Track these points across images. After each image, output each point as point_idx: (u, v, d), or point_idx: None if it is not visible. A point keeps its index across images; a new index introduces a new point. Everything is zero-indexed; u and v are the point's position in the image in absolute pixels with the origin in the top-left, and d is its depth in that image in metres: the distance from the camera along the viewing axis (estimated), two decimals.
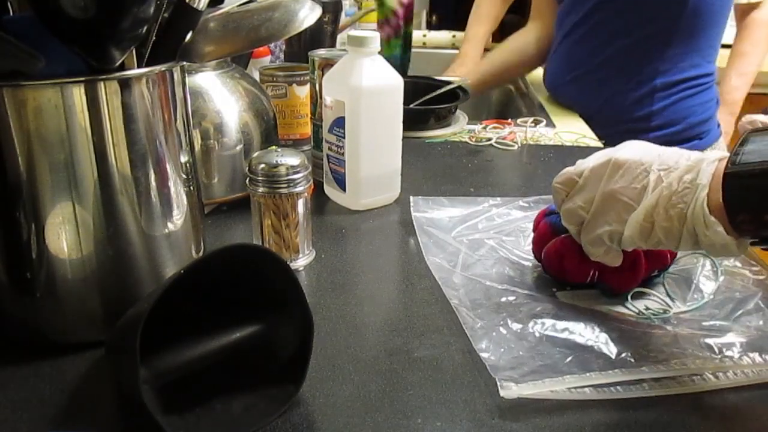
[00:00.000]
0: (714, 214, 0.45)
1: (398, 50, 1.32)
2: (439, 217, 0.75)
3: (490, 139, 1.05)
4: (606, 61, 1.23)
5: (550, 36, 1.38)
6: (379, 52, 1.26)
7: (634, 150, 0.52)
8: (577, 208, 0.54)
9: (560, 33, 1.31)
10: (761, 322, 0.56)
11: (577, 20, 1.25)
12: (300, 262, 0.66)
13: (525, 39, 1.42)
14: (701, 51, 1.21)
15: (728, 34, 1.32)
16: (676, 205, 0.47)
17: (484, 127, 1.10)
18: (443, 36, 2.00)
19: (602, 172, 0.52)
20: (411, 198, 0.78)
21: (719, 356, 0.51)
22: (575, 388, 0.47)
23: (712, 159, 0.47)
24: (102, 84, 0.46)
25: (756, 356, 0.51)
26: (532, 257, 0.66)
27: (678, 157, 0.49)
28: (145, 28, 0.46)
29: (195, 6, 0.49)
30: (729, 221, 0.45)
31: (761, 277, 0.62)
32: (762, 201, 0.43)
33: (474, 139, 1.05)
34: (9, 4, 0.47)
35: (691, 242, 0.47)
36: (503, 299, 0.59)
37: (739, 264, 0.65)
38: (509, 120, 1.14)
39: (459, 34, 1.99)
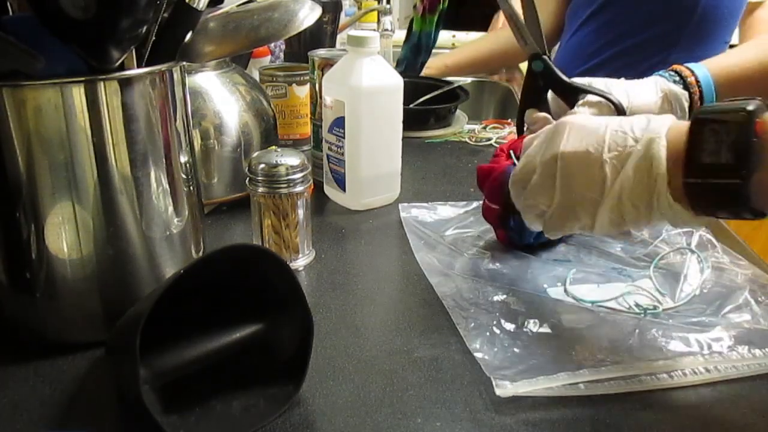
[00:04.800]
0: (674, 195, 0.47)
1: (431, 27, 1.29)
2: (429, 218, 0.75)
3: (490, 139, 1.05)
4: (612, 59, 1.23)
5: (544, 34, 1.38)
6: (414, 28, 1.21)
7: (579, 137, 0.51)
8: (538, 204, 0.54)
9: (570, 29, 1.32)
10: (749, 317, 0.56)
11: (587, 16, 1.25)
12: (300, 262, 0.66)
13: (507, 34, 1.42)
14: (705, 58, 1.21)
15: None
16: (640, 197, 0.48)
17: (484, 127, 1.10)
18: (443, 36, 1.99)
19: (553, 170, 0.52)
20: (400, 205, 0.78)
21: (709, 351, 0.52)
22: (569, 384, 0.48)
23: (661, 136, 0.47)
24: (102, 84, 0.46)
25: (744, 350, 0.51)
26: (525, 256, 0.66)
27: (624, 136, 0.49)
28: (144, 28, 0.46)
29: (195, 6, 0.49)
30: (690, 206, 0.47)
31: (748, 272, 0.63)
32: (719, 200, 0.46)
33: (474, 139, 1.06)
34: (9, 4, 0.47)
35: (657, 222, 0.50)
36: (496, 298, 0.59)
37: (726, 260, 0.65)
38: (509, 120, 1.15)
39: (459, 34, 2.00)
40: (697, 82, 0.73)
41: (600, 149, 0.49)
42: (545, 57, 0.71)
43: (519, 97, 1.55)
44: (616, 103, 0.68)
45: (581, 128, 0.52)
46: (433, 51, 1.50)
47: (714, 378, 0.49)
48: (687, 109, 0.72)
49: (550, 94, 0.72)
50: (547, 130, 0.54)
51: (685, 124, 0.47)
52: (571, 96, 0.70)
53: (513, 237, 0.67)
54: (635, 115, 0.51)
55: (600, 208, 0.50)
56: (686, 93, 0.72)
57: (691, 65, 0.74)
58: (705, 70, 0.74)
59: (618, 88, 0.71)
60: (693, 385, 0.49)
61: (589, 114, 0.54)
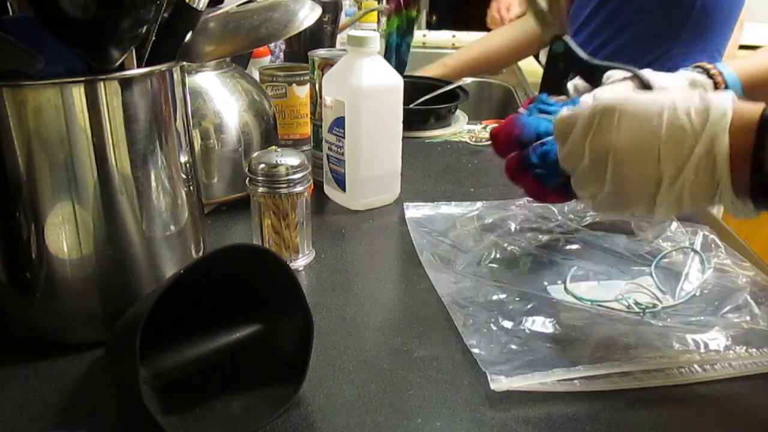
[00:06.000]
0: (736, 190, 0.45)
1: (393, 30, 1.26)
2: (432, 217, 0.75)
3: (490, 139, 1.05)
4: (613, 54, 1.23)
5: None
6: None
7: (631, 128, 0.47)
8: (586, 190, 0.52)
9: (574, 24, 1.32)
10: (748, 317, 0.56)
11: (591, 11, 1.25)
12: (300, 262, 0.66)
13: (512, 31, 1.43)
14: (707, 53, 1.21)
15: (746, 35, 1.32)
16: (701, 193, 0.46)
17: (484, 127, 1.10)
18: (443, 36, 2.00)
19: (604, 161, 0.49)
20: (404, 204, 0.78)
21: (706, 350, 0.52)
22: (564, 380, 0.48)
23: (725, 131, 0.44)
24: (102, 84, 0.46)
25: (742, 350, 0.51)
26: (525, 255, 0.66)
27: (681, 131, 0.45)
28: (144, 28, 0.46)
29: (195, 6, 0.49)
30: (753, 203, 0.45)
31: (750, 273, 0.63)
32: None
33: (474, 139, 1.06)
34: (9, 4, 0.47)
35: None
36: (494, 297, 0.59)
37: (728, 260, 0.65)
38: None
39: (459, 34, 2.00)
40: (720, 73, 0.71)
41: (656, 145, 0.46)
42: (566, 37, 0.68)
43: (519, 97, 1.56)
44: (643, 79, 0.66)
45: (633, 117, 0.47)
46: (435, 51, 1.51)
47: (710, 377, 0.50)
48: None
49: (570, 84, 0.70)
50: (592, 111, 0.50)
51: (749, 113, 0.44)
52: (595, 76, 0.67)
53: (542, 177, 0.58)
54: (691, 95, 0.47)
55: (657, 201, 0.47)
56: (710, 81, 0.70)
57: (714, 64, 0.72)
58: (728, 66, 0.73)
59: (642, 71, 0.68)
60: (689, 383, 0.49)
61: (630, 90, 0.51)
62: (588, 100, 0.52)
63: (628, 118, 0.47)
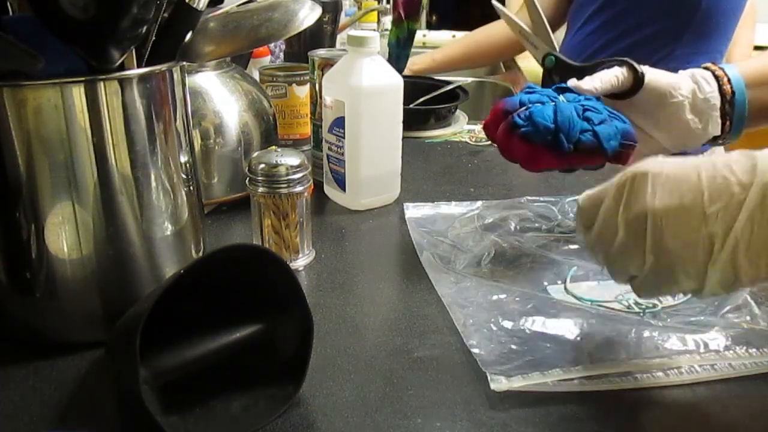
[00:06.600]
0: None
1: (393, 41, 1.27)
2: (432, 217, 0.75)
3: None
4: (616, 55, 1.23)
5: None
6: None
7: (668, 189, 0.44)
8: (626, 269, 0.48)
9: (574, 24, 1.31)
10: (749, 317, 0.56)
11: (590, 14, 1.25)
12: (300, 262, 0.66)
13: (499, 29, 1.44)
14: (710, 54, 1.22)
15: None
16: (759, 253, 0.42)
17: None
18: (443, 36, 2.00)
19: (642, 230, 0.45)
20: (404, 204, 0.78)
21: (706, 350, 0.52)
22: (563, 380, 0.48)
23: None
24: (102, 84, 0.46)
25: (742, 350, 0.51)
26: (526, 254, 0.66)
27: (725, 182, 0.42)
28: (144, 28, 0.46)
29: (195, 6, 0.49)
30: None
31: None
32: None
33: (474, 139, 1.06)
34: (9, 4, 0.47)
35: None
36: (494, 297, 0.59)
37: None
38: None
39: (459, 35, 2.00)
40: (725, 74, 0.70)
41: (699, 202, 0.42)
42: (555, 53, 0.73)
43: None
44: (635, 65, 0.69)
45: (668, 177, 0.44)
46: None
47: (710, 377, 0.50)
48: (717, 89, 0.69)
49: None
50: (620, 180, 0.46)
51: None
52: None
53: (528, 135, 0.60)
54: (728, 155, 0.44)
55: (708, 269, 0.43)
56: (709, 73, 0.70)
57: (719, 65, 0.72)
58: (733, 68, 0.71)
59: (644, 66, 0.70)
60: (689, 383, 0.49)
61: (661, 160, 0.46)
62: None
63: (663, 179, 0.44)
